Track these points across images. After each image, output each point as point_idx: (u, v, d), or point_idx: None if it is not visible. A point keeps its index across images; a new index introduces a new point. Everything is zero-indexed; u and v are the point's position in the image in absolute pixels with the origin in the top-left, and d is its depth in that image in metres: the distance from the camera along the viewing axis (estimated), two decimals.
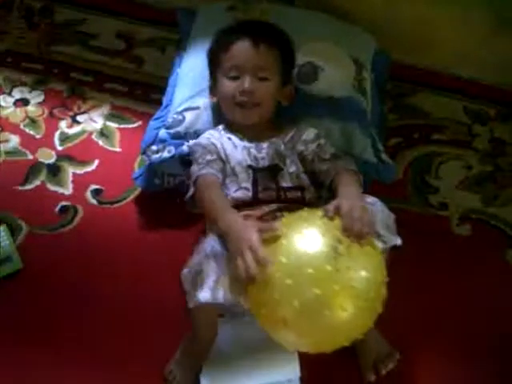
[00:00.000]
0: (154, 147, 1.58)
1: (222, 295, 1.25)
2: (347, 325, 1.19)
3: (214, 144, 1.49)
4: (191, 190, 1.43)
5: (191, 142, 1.55)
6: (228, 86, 1.50)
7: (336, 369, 1.39)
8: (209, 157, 1.46)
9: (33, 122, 1.84)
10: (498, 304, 1.51)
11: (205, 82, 1.61)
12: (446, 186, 1.74)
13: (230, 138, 1.51)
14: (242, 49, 1.50)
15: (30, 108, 1.87)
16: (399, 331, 1.43)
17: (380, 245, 1.29)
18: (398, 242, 1.34)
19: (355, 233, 1.21)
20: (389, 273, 1.29)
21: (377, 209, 1.34)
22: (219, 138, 1.51)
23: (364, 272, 1.19)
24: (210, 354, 1.38)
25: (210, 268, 1.26)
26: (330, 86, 1.62)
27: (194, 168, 1.45)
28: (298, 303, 1.16)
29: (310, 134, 1.53)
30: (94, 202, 1.67)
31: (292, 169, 1.48)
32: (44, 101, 1.88)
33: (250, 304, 1.26)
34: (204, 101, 1.61)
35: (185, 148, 1.55)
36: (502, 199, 1.72)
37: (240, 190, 1.44)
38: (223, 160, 1.47)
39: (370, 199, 1.36)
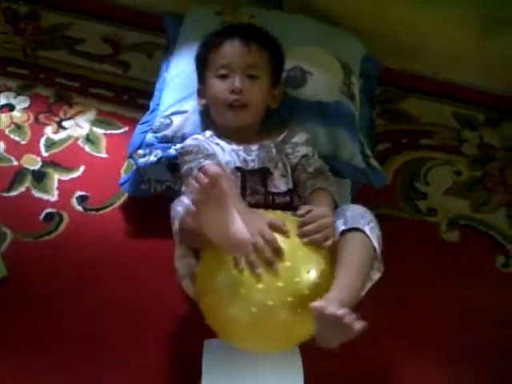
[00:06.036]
0: (140, 151, 1.56)
1: None
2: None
3: (203, 145, 1.47)
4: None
5: (179, 145, 1.52)
6: (218, 86, 1.49)
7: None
8: (205, 152, 1.43)
9: (18, 127, 1.82)
10: (488, 311, 1.50)
11: (192, 86, 1.60)
12: (435, 192, 1.73)
13: (217, 144, 1.48)
14: (232, 48, 1.49)
15: (15, 113, 1.85)
16: (387, 338, 1.42)
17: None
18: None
19: (314, 238, 1.22)
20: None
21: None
22: (207, 143, 1.48)
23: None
24: (211, 369, 1.29)
25: None
26: (318, 90, 1.61)
27: (192, 164, 1.41)
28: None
29: (301, 137, 1.51)
30: (79, 208, 1.65)
31: (282, 172, 1.46)
32: (29, 106, 1.88)
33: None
34: (192, 104, 1.59)
35: (172, 152, 1.53)
36: (491, 205, 1.71)
37: None
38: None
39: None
